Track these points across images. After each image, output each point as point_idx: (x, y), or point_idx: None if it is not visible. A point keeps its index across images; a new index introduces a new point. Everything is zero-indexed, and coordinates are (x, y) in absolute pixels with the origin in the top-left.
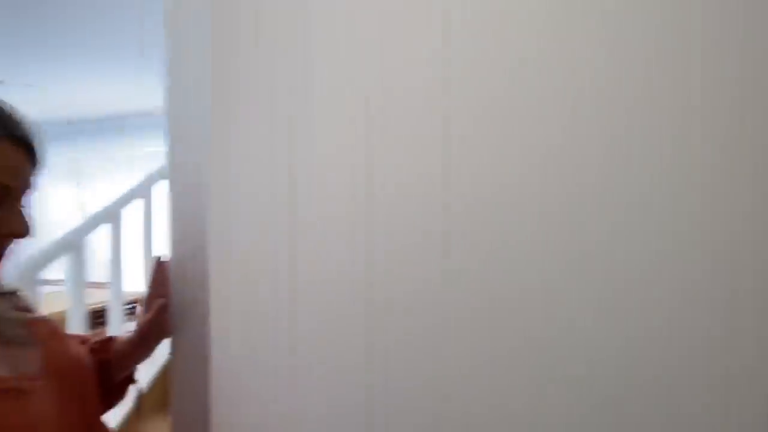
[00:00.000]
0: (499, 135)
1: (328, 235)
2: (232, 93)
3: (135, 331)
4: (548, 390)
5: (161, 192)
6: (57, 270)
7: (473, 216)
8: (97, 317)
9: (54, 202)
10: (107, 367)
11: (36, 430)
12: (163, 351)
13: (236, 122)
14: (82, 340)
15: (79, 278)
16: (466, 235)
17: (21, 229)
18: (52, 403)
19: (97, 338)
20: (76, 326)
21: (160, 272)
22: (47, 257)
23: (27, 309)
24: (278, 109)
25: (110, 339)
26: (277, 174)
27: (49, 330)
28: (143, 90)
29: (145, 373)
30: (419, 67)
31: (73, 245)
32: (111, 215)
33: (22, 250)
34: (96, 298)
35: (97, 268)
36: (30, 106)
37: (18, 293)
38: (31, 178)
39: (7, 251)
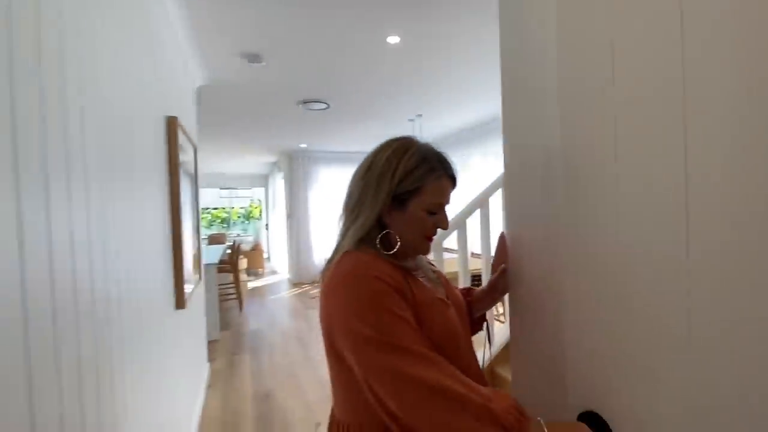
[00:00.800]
0: None
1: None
2: (575, 105)
3: (486, 285)
4: None
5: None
6: (451, 241)
7: None
8: (475, 279)
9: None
10: (470, 308)
11: (456, 327)
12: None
13: (573, 130)
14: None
15: (463, 249)
16: None
17: (447, 225)
18: (456, 317)
19: (462, 287)
20: (462, 285)
21: (502, 244)
22: (445, 233)
23: (432, 264)
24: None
25: (471, 289)
26: (606, 165)
27: (443, 277)
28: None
29: (501, 335)
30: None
31: (459, 224)
32: (482, 202)
33: None
34: (475, 266)
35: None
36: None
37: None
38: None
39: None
